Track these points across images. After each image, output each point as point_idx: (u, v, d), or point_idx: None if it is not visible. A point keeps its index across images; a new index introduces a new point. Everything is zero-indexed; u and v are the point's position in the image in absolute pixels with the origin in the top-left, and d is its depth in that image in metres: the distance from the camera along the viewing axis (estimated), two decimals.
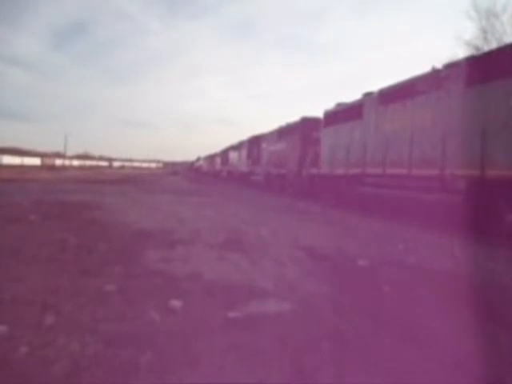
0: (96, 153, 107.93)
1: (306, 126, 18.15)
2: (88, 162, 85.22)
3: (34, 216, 7.93)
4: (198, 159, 77.63)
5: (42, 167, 55.58)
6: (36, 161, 64.32)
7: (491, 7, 24.15)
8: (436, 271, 4.78)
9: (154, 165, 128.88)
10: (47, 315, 2.95)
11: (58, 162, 68.94)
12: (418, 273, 4.65)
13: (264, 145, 25.00)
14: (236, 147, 35.31)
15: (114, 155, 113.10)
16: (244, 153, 30.95)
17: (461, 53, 22.82)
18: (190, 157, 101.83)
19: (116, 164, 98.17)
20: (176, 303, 3.32)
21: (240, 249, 5.74)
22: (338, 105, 14.92)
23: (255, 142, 27.53)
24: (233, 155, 36.84)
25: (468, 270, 4.99)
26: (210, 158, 57.35)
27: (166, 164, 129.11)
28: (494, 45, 21.90)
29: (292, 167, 18.89)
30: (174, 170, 72.27)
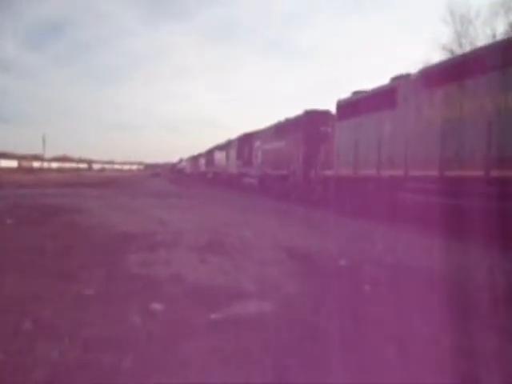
0: (76, 155, 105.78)
1: (312, 120, 15.66)
2: (67, 165, 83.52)
3: (10, 220, 7.74)
4: (181, 161, 76.98)
5: (19, 170, 54.21)
6: (13, 163, 62.66)
7: (465, 13, 24.87)
8: None
9: (135, 167, 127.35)
10: (25, 321, 2.89)
11: (36, 164, 67.35)
12: None
13: (257, 143, 22.48)
14: (223, 147, 32.83)
15: (94, 157, 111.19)
16: (233, 152, 28.22)
17: (436, 56, 23.41)
18: (172, 158, 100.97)
19: (96, 166, 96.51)
20: (157, 306, 3.30)
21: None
22: (355, 93, 12.50)
23: (246, 140, 24.91)
24: (219, 155, 34.26)
25: None
26: (194, 159, 54.91)
27: (148, 166, 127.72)
28: (467, 49, 22.53)
29: (295, 168, 16.36)
30: (155, 171, 71.38)
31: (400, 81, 10.29)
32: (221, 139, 35.95)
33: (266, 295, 3.72)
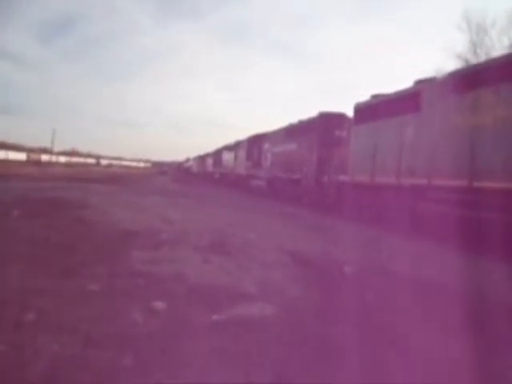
0: (84, 150, 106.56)
1: (326, 123, 15.07)
2: (75, 159, 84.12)
3: (17, 212, 7.80)
4: (188, 160, 77.25)
5: (28, 163, 54.68)
6: (21, 156, 63.24)
7: (481, 21, 24.66)
8: None
9: (142, 164, 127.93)
10: (27, 314, 2.90)
11: (45, 157, 67.89)
12: None
13: (267, 145, 22.16)
14: (231, 147, 32.58)
15: (102, 153, 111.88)
16: (242, 153, 27.89)
17: (450, 65, 23.27)
18: (179, 157, 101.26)
19: (104, 162, 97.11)
20: (159, 305, 3.29)
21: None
22: (374, 97, 11.98)
23: (256, 141, 24.49)
24: (227, 156, 33.98)
25: None
26: (201, 159, 54.83)
27: (155, 164, 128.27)
28: (482, 59, 22.36)
29: (308, 172, 15.76)
30: (162, 170, 71.67)
31: (425, 84, 9.70)
32: (228, 139, 35.96)
33: (269, 298, 3.71)
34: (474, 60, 22.78)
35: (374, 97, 11.96)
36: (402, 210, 9.32)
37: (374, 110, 11.44)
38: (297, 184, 16.85)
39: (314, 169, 15.24)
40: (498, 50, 23.39)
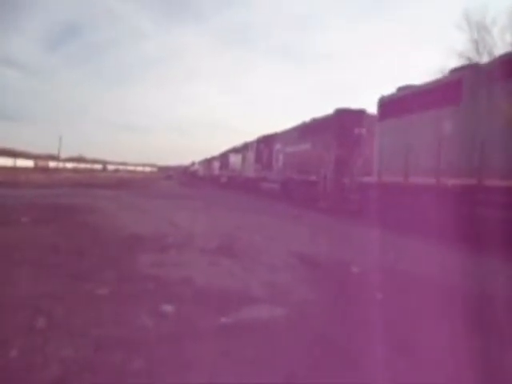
0: (90, 156, 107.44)
1: (344, 120, 14.09)
2: (82, 165, 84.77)
3: (25, 219, 7.88)
4: (193, 164, 77.49)
5: (35, 169, 55.19)
6: (29, 163, 63.85)
7: (482, 20, 24.57)
8: None
9: (148, 169, 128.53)
10: (38, 319, 2.93)
11: (52, 164, 68.50)
12: None
13: (278, 146, 21.05)
14: (239, 149, 31.50)
15: (108, 158, 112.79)
16: (251, 155, 26.77)
17: (452, 64, 23.15)
18: (185, 161, 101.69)
19: (110, 167, 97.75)
20: (168, 308, 3.32)
21: None
22: (400, 89, 10.93)
23: (265, 142, 23.53)
24: (235, 159, 33.01)
25: None
26: (207, 162, 54.05)
27: (161, 168, 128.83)
28: (485, 57, 22.28)
29: (326, 173, 14.64)
30: (168, 174, 71.98)
31: (466, 71, 8.63)
32: (232, 142, 35.58)
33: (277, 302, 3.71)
34: (476, 58, 22.66)
35: (401, 89, 10.92)
36: (443, 215, 8.00)
37: (403, 103, 10.36)
38: (313, 186, 15.71)
39: (332, 170, 14.24)
40: (500, 48, 23.27)
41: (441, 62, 38.13)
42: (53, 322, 2.92)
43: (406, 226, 9.14)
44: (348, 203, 13.12)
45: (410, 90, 10.44)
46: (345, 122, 14.07)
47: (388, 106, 11.13)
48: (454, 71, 9.29)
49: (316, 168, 15.54)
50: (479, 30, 24.79)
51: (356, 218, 11.36)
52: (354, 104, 14.16)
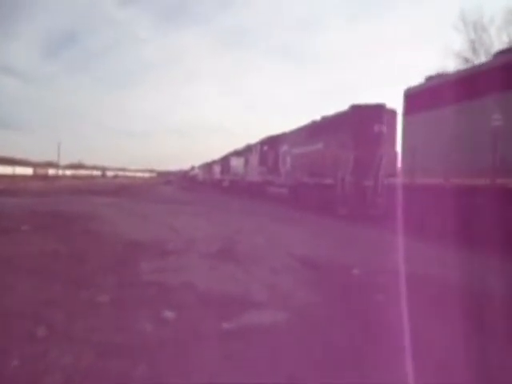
0: (90, 162, 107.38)
1: (361, 117, 12.84)
2: (81, 172, 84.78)
3: (25, 226, 7.87)
4: (193, 168, 77.47)
5: (35, 177, 55.18)
6: (28, 170, 63.84)
7: (478, 20, 24.67)
8: None
9: (147, 174, 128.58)
10: (39, 327, 2.92)
11: (51, 171, 68.49)
12: None
13: (285, 147, 19.59)
14: (241, 152, 30.12)
15: (107, 164, 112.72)
16: (254, 158, 25.09)
17: (450, 64, 23.25)
18: (185, 166, 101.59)
19: (109, 173, 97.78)
20: (169, 314, 3.30)
21: None
22: (430, 78, 9.86)
23: (270, 144, 22.14)
24: (236, 162, 31.47)
25: None
26: (207, 166, 52.33)
27: (160, 173, 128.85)
28: (482, 57, 22.36)
29: (344, 176, 13.12)
30: (167, 179, 71.92)
31: None
32: (234, 145, 34.99)
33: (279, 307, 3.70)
34: (473, 59, 22.76)
35: (430, 79, 9.84)
36: (500, 222, 6.80)
37: (438, 93, 9.04)
38: (328, 190, 14.11)
39: (351, 172, 12.82)
40: (497, 48, 23.35)
41: (438, 63, 38.16)
42: (54, 330, 2.91)
43: (450, 235, 7.60)
44: (371, 208, 11.85)
45: (445, 78, 9.29)
46: (362, 118, 12.82)
47: (417, 97, 9.78)
48: (498, 54, 8.26)
49: (331, 170, 14.15)
50: (476, 29, 24.91)
51: (384, 225, 9.63)
52: (351, 102, 13.36)
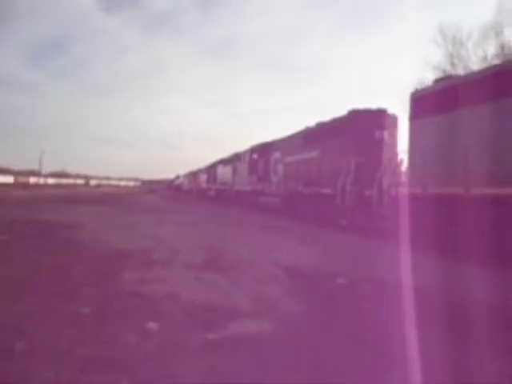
0: (73, 170, 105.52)
1: (362, 123, 12.20)
2: (64, 180, 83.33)
3: (5, 236, 7.69)
4: (178, 177, 76.98)
5: (16, 185, 54.00)
6: (9, 179, 62.43)
7: (457, 34, 25.43)
8: None
9: (131, 183, 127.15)
10: (19, 341, 2.84)
11: (33, 180, 67.12)
12: None
13: (276, 155, 18.82)
14: (228, 160, 29.05)
15: (91, 173, 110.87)
16: (243, 167, 24.14)
17: (429, 77, 23.83)
18: (169, 175, 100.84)
19: (93, 182, 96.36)
20: (153, 326, 3.26)
21: None
22: (439, 81, 9.33)
23: (260, 151, 21.29)
24: (224, 170, 30.38)
25: None
26: (193, 175, 51.36)
27: (144, 182, 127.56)
28: (460, 70, 23.05)
29: (344, 185, 12.20)
30: (151, 188, 71.10)
31: None
32: (219, 155, 34.45)
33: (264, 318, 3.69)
34: (451, 71, 23.38)
35: (439, 81, 9.30)
36: None
37: (447, 96, 8.32)
38: (327, 200, 13.27)
39: (351, 181, 11.99)
40: (474, 62, 24.11)
41: (417, 75, 39.05)
42: (35, 344, 2.83)
43: (471, 250, 6.64)
44: (375, 220, 11.03)
45: (456, 80, 8.64)
46: (363, 124, 12.17)
47: (426, 101, 8.97)
48: None
49: (329, 179, 13.31)
50: (454, 43, 25.67)
51: (391, 238, 8.29)
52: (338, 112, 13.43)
